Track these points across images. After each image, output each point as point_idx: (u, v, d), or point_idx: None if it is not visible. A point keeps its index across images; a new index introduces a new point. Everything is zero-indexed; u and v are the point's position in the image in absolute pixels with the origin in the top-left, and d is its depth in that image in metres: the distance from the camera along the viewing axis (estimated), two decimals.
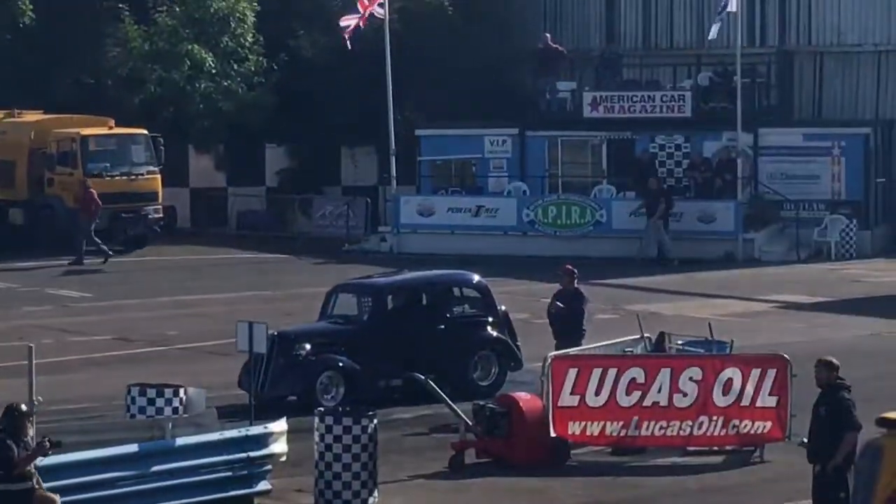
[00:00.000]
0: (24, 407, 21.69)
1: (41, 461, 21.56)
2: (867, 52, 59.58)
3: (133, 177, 55.58)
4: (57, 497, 21.54)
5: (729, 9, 53.20)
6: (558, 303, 32.06)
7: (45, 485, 21.71)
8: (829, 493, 20.71)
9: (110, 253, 51.90)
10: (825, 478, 20.77)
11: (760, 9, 60.61)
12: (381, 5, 53.51)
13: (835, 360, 21.09)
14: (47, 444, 21.59)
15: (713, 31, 53.60)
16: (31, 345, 25.02)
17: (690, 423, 26.86)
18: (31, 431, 21.27)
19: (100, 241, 51.81)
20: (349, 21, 53.08)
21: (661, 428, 26.91)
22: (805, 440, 21.23)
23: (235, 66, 60.50)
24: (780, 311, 43.01)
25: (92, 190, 52.15)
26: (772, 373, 26.90)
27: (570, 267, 32.85)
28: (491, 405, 27.10)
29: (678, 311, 41.45)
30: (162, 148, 56.09)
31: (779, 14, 60.86)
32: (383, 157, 57.69)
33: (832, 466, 20.77)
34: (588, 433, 26.97)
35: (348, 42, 53.08)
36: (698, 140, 56.66)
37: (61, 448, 21.90)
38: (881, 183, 56.89)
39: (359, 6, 53.40)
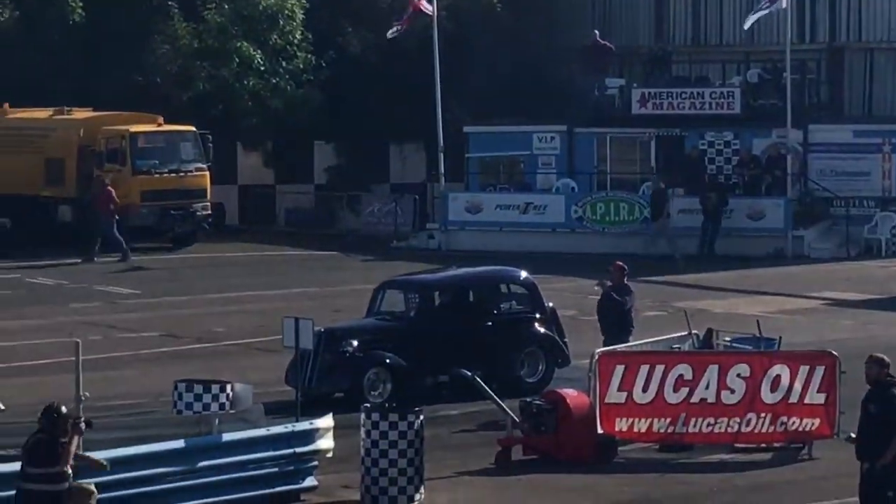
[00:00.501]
0: (63, 409, 21.74)
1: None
2: None
3: (182, 174, 55.71)
4: (94, 489, 21.61)
5: (779, 5, 53.02)
6: (607, 300, 32.02)
7: (92, 480, 21.82)
8: (877, 491, 20.62)
9: (130, 254, 51.80)
10: (874, 476, 20.68)
11: (810, 4, 60.52)
12: (430, 2, 53.55)
13: (886, 358, 21.00)
14: (82, 425, 21.66)
15: (748, 21, 53.45)
16: (79, 340, 25.08)
17: (738, 419, 26.79)
18: (76, 442, 21.28)
19: (122, 240, 51.82)
20: (404, 21, 53.31)
21: (708, 425, 26.89)
22: (853, 435, 21.14)
23: (284, 64, 60.62)
24: (829, 308, 42.89)
25: (110, 188, 52.12)
26: (820, 370, 26.80)
27: (620, 263, 32.87)
28: (538, 402, 27.06)
29: (726, 307, 41.39)
30: (210, 145, 56.21)
31: (829, 10, 60.78)
32: (431, 155, 57.79)
33: (881, 465, 20.68)
34: (635, 430, 26.98)
35: (394, 33, 53.27)
36: (748, 137, 56.56)
37: (93, 429, 21.98)
38: None
39: (410, 7, 53.58)
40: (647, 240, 52.32)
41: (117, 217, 52.12)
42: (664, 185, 53.76)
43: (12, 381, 32.25)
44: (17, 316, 41.40)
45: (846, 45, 60.66)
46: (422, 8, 53.33)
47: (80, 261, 51.23)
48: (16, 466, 21.71)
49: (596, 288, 33.11)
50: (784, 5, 53.37)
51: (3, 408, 24.67)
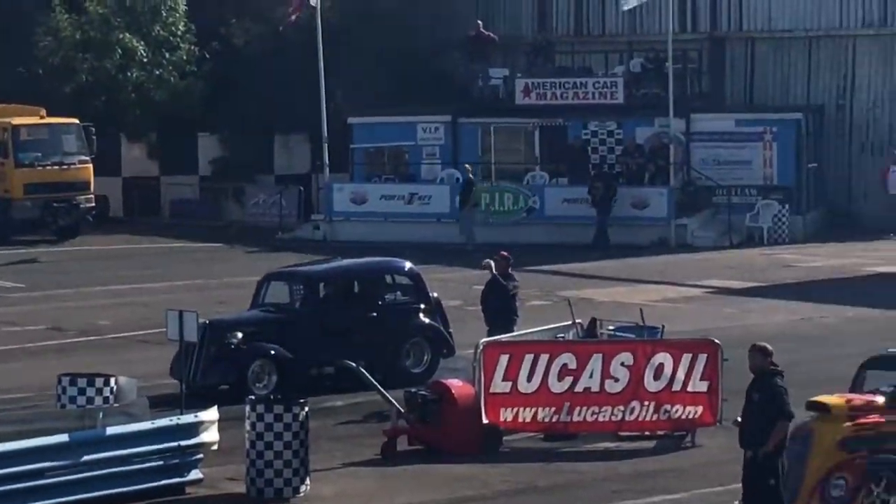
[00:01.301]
0: None
1: None
2: (798, 38, 59.86)
3: (65, 166, 55.47)
4: None
5: None
6: (491, 290, 32.10)
7: None
8: (759, 478, 20.76)
9: None
10: (756, 464, 20.82)
11: None
12: None
13: (769, 347, 21.12)
14: None
15: (628, 5, 53.71)
16: None
17: (622, 408, 26.89)
18: None
19: None
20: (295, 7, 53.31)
21: (592, 413, 26.96)
22: (738, 419, 21.24)
23: (167, 55, 60.45)
24: (711, 296, 43.14)
25: None
26: (703, 358, 26.94)
27: (504, 253, 32.95)
28: (423, 392, 27.05)
29: (610, 296, 41.53)
30: (94, 137, 55.94)
31: (710, 0, 61.10)
32: (316, 146, 57.69)
33: (763, 453, 20.83)
34: (520, 419, 27.01)
35: (292, 20, 53.31)
36: (630, 126, 56.83)
37: None
38: (812, 168, 57.19)
39: None
40: (460, 229, 52.73)
41: None
42: (472, 175, 53.82)
43: None
44: None
45: (727, 35, 61.02)
46: None
47: None
48: None
49: (484, 263, 33.02)
50: None
51: None
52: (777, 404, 20.51)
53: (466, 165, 54.99)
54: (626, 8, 54.35)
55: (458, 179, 56.24)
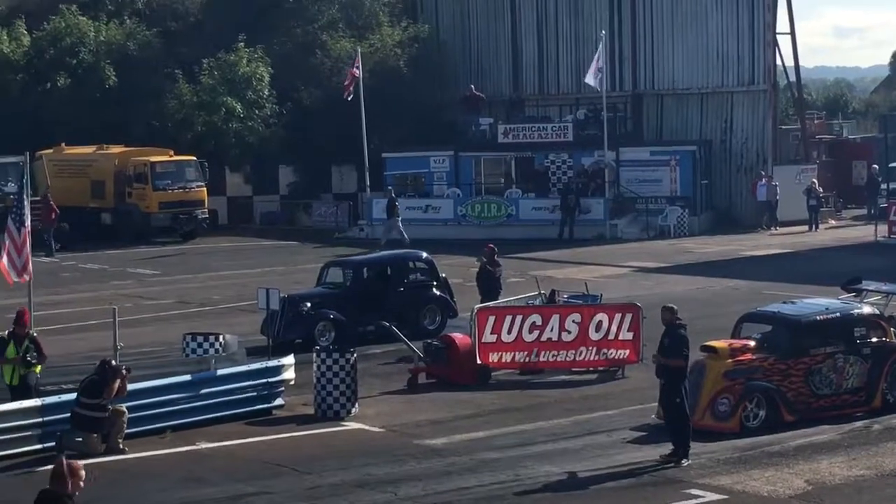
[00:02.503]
0: (113, 363, 21.74)
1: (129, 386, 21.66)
2: (693, 94, 59.78)
3: (187, 189, 55.39)
4: (125, 410, 21.56)
5: (599, 65, 53.19)
6: (482, 271, 32.14)
7: (126, 404, 21.74)
8: (669, 398, 20.78)
9: (54, 251, 50.37)
10: (667, 386, 20.84)
11: (619, 63, 60.73)
12: (358, 68, 53.49)
13: (674, 307, 21.15)
14: (124, 370, 21.66)
15: (589, 79, 53.46)
16: (115, 306, 24.99)
17: (574, 351, 26.93)
18: (117, 383, 21.23)
19: (52, 242, 50.59)
20: (349, 83, 53.16)
21: (553, 355, 26.99)
22: (654, 355, 21.18)
23: (257, 112, 60.31)
24: (635, 274, 43.01)
25: (52, 203, 51.00)
26: (629, 316, 26.97)
27: (491, 245, 33.01)
28: (436, 342, 27.13)
29: (565, 274, 41.43)
30: (207, 169, 55.90)
31: (631, 68, 61.01)
32: (360, 173, 57.56)
33: (659, 375, 20.83)
34: (503, 360, 27.06)
35: (349, 96, 53.14)
36: (578, 157, 56.73)
37: (131, 374, 21.97)
38: (704, 183, 57.11)
39: (348, 74, 53.59)
40: (383, 231, 51.89)
41: (54, 226, 51.11)
42: (394, 194, 53.05)
43: (72, 335, 32.11)
44: (74, 291, 41.08)
45: (644, 92, 60.93)
46: (354, 73, 53.29)
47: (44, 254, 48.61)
48: (72, 396, 21.69)
49: (477, 261, 33.18)
50: (602, 66, 53.56)
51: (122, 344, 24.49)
52: (677, 347, 20.45)
53: (389, 187, 54.32)
54: (587, 81, 53.87)
55: (458, 195, 56.30)
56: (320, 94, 60.61)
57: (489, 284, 31.82)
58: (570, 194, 53.47)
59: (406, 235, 50.20)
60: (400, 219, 51.65)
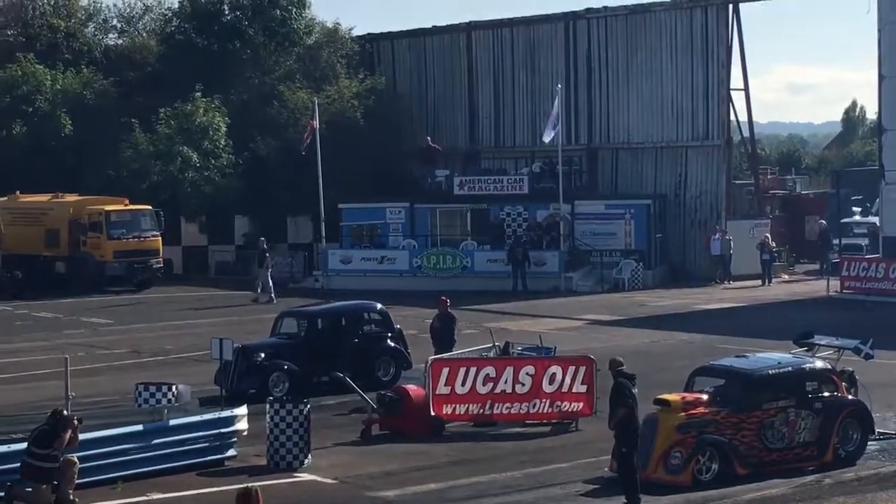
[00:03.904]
0: (65, 412, 21.57)
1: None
2: (648, 148, 60.12)
3: (142, 238, 55.33)
4: (76, 460, 21.35)
5: (554, 123, 53.48)
6: (436, 322, 32.14)
7: (77, 454, 21.54)
8: (617, 448, 20.79)
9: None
10: (618, 438, 20.92)
11: (574, 118, 61.05)
12: (315, 119, 53.55)
13: (618, 358, 21.26)
14: (75, 421, 21.48)
15: (547, 137, 53.68)
16: (67, 356, 24.83)
17: (527, 404, 26.84)
18: (67, 436, 21.05)
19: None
20: (307, 136, 53.13)
21: (507, 407, 26.89)
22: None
23: (213, 161, 60.31)
24: (589, 326, 43.08)
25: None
26: (583, 368, 26.92)
27: (444, 298, 32.99)
28: (389, 393, 27.00)
29: (519, 326, 41.44)
30: (162, 219, 55.96)
31: (587, 122, 61.35)
32: (316, 223, 57.55)
33: (610, 427, 20.97)
34: (457, 412, 26.93)
35: (304, 149, 53.07)
36: (533, 209, 56.88)
37: (83, 424, 21.79)
38: (658, 237, 57.32)
39: (307, 126, 53.59)
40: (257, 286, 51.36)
41: None
42: (266, 245, 52.52)
43: (23, 384, 31.91)
44: (27, 339, 40.84)
45: (599, 146, 61.26)
46: (313, 125, 53.32)
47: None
48: (23, 446, 21.47)
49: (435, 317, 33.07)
50: (558, 122, 53.86)
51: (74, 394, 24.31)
52: (618, 397, 20.56)
53: (262, 238, 53.91)
54: (545, 139, 54.03)
55: (414, 246, 56.26)
56: (277, 145, 60.71)
57: (443, 336, 31.76)
58: (519, 247, 53.57)
59: (272, 294, 49.74)
60: (270, 270, 51.13)
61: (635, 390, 20.65)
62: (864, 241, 58.87)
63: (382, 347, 32.43)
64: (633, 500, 20.19)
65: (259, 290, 50.52)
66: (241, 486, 12.69)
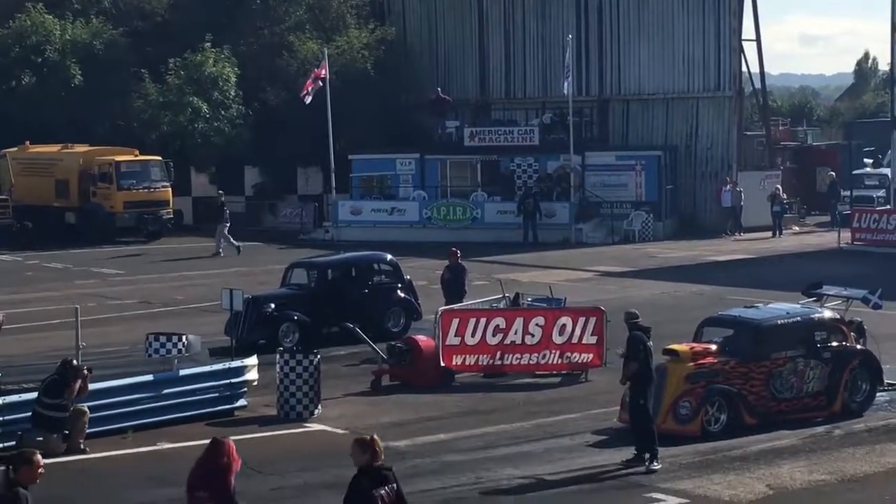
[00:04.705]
0: (74, 362, 21.66)
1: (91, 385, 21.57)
2: (659, 100, 59.91)
3: (152, 189, 55.33)
4: (87, 410, 21.46)
5: (568, 70, 53.41)
6: (447, 273, 32.17)
7: (88, 404, 21.64)
8: (632, 400, 20.74)
9: None
10: (630, 389, 20.83)
11: (585, 69, 60.83)
12: (325, 69, 53.35)
13: (635, 311, 21.18)
14: (85, 371, 21.59)
15: (565, 87, 53.57)
16: (77, 306, 24.91)
17: (537, 355, 26.93)
18: (78, 383, 21.16)
19: None
20: (308, 84, 52.86)
21: (517, 358, 26.99)
22: (619, 352, 21.25)
23: (223, 112, 60.22)
24: (599, 278, 43.11)
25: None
26: (593, 319, 27.02)
27: (454, 249, 33.02)
28: (399, 344, 27.10)
29: (529, 278, 41.50)
30: (172, 169, 55.90)
31: (598, 73, 61.13)
32: (326, 174, 57.49)
33: (621, 381, 20.88)
34: (467, 363, 27.05)
35: (307, 98, 52.77)
36: (543, 161, 56.77)
37: (93, 374, 21.90)
38: (669, 188, 57.23)
39: (313, 74, 53.32)
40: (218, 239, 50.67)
41: None
42: (224, 199, 52.25)
43: (34, 334, 32.00)
44: (37, 290, 40.90)
45: (610, 97, 61.04)
46: (319, 74, 53.10)
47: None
48: (33, 395, 21.59)
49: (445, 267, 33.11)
50: (570, 71, 53.75)
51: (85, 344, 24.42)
52: (631, 349, 20.45)
53: (220, 191, 53.81)
54: (564, 91, 53.82)
55: (424, 197, 56.27)
56: (287, 96, 60.52)
57: (454, 288, 31.81)
58: (529, 198, 53.52)
59: (235, 243, 49.41)
60: (228, 225, 50.62)
61: (650, 343, 20.57)
62: (877, 193, 58.76)
63: (392, 298, 32.48)
64: (651, 450, 20.09)
65: (221, 245, 49.97)
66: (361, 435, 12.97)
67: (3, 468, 12.45)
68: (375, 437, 12.96)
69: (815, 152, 69.49)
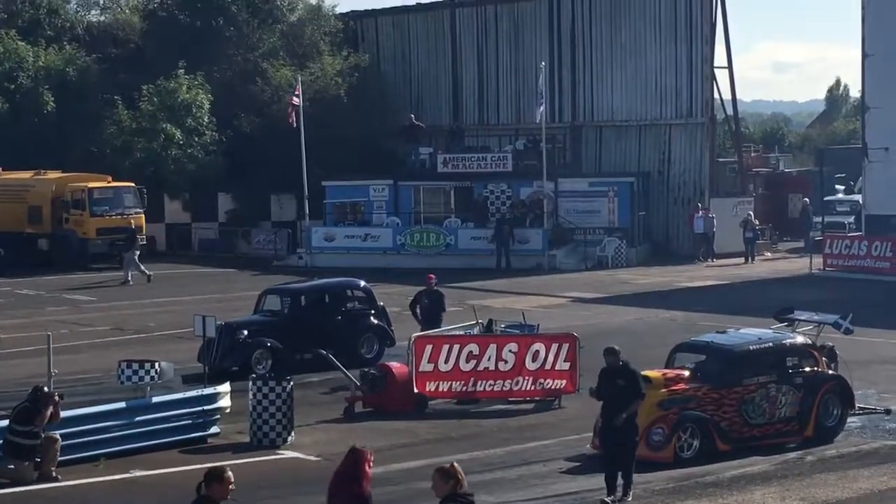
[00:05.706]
0: (46, 389, 21.56)
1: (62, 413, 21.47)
2: (632, 126, 60.15)
3: (125, 215, 55.16)
4: (58, 437, 21.35)
5: (541, 98, 53.52)
6: (424, 299, 32.09)
7: (60, 432, 21.53)
8: (626, 436, 19.68)
9: None
10: (621, 427, 19.70)
11: (559, 95, 61.02)
12: (298, 96, 53.45)
13: (617, 347, 20.42)
14: (57, 397, 21.50)
15: (538, 113, 53.67)
16: (49, 333, 24.79)
17: (510, 381, 26.88)
18: (48, 412, 21.08)
19: None
20: (291, 111, 52.92)
21: (490, 385, 26.93)
22: (592, 389, 20.77)
23: (196, 139, 60.18)
24: (572, 304, 43.13)
25: None
26: (566, 346, 26.96)
27: (431, 275, 33.01)
28: (373, 371, 27.06)
29: (503, 304, 41.45)
30: (145, 196, 55.86)
31: (571, 100, 61.35)
32: (300, 201, 57.48)
33: (622, 419, 19.66)
34: (440, 390, 26.97)
35: (293, 122, 52.84)
36: (517, 187, 56.80)
37: (65, 400, 21.79)
38: (642, 215, 57.38)
39: (289, 101, 53.41)
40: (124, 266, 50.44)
41: None
42: (134, 226, 51.79)
43: (5, 361, 31.87)
44: (8, 316, 40.74)
45: (583, 124, 61.26)
46: (293, 101, 53.21)
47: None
48: (4, 423, 21.47)
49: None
50: (543, 98, 53.84)
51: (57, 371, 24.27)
52: (636, 387, 19.92)
53: (132, 218, 53.44)
54: (537, 119, 53.88)
55: (397, 224, 56.24)
56: (260, 122, 60.60)
57: (428, 314, 31.75)
58: (505, 225, 53.60)
59: (146, 272, 49.16)
60: (137, 254, 50.40)
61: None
62: (848, 220, 59.00)
63: (366, 325, 32.47)
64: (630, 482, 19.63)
65: (130, 273, 49.70)
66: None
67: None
68: (455, 464, 12.41)
69: (786, 179, 69.83)
